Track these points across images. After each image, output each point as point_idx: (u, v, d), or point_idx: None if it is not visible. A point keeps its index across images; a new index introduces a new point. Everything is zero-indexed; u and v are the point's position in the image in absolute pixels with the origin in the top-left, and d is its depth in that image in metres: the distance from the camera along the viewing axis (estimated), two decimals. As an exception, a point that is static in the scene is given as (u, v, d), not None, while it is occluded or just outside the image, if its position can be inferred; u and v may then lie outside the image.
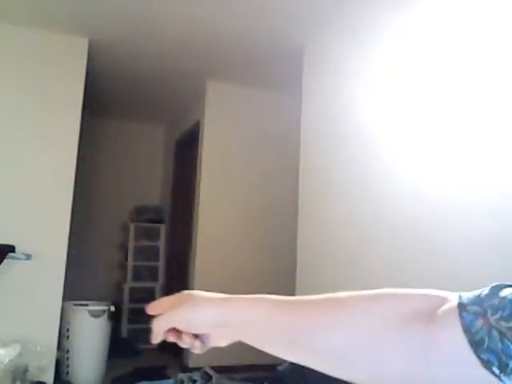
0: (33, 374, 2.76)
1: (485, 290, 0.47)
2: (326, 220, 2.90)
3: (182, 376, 1.66)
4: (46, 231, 3.17)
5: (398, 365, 0.50)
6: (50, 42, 3.32)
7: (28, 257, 2.97)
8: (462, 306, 0.46)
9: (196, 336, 0.63)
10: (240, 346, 0.71)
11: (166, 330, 0.63)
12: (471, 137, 1.89)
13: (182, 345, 0.64)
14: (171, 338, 0.63)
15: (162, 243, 5.22)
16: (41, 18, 3.17)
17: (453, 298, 0.49)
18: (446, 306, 0.48)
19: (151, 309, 0.64)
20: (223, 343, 0.63)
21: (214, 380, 1.66)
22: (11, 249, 2.93)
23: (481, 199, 1.81)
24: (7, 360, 2.60)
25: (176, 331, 0.63)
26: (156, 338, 0.63)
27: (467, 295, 0.48)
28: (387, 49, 2.47)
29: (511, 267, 1.51)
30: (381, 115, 2.47)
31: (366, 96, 2.61)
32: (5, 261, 2.88)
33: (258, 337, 0.60)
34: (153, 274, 5.12)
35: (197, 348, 0.63)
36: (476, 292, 0.47)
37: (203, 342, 0.64)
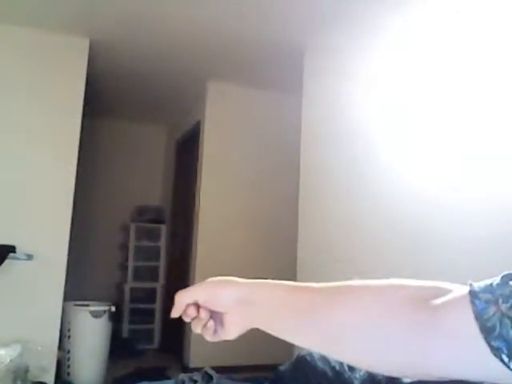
0: (34, 374, 2.76)
1: (496, 280, 0.47)
2: (326, 219, 2.90)
3: (182, 376, 1.66)
4: (46, 231, 3.17)
5: (398, 350, 0.50)
6: (51, 42, 3.32)
7: (29, 257, 2.97)
8: (473, 294, 0.47)
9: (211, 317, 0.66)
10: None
11: (188, 304, 0.66)
12: (471, 137, 1.89)
13: (196, 326, 0.66)
14: (190, 313, 0.66)
15: (162, 243, 5.21)
16: (41, 18, 3.17)
17: (457, 289, 0.49)
18: (455, 294, 0.49)
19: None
20: (236, 330, 0.66)
21: (214, 380, 1.67)
22: (12, 249, 2.93)
23: (481, 199, 1.80)
24: (8, 360, 2.60)
25: (196, 307, 0.66)
26: (177, 310, 0.66)
27: (478, 284, 0.48)
28: (388, 49, 2.47)
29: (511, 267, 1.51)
30: (381, 115, 2.47)
31: (366, 96, 2.61)
32: (6, 261, 2.88)
33: (274, 315, 0.64)
34: (153, 275, 5.12)
35: (209, 330, 0.66)
36: (487, 281, 0.47)
37: (217, 324, 0.66)
